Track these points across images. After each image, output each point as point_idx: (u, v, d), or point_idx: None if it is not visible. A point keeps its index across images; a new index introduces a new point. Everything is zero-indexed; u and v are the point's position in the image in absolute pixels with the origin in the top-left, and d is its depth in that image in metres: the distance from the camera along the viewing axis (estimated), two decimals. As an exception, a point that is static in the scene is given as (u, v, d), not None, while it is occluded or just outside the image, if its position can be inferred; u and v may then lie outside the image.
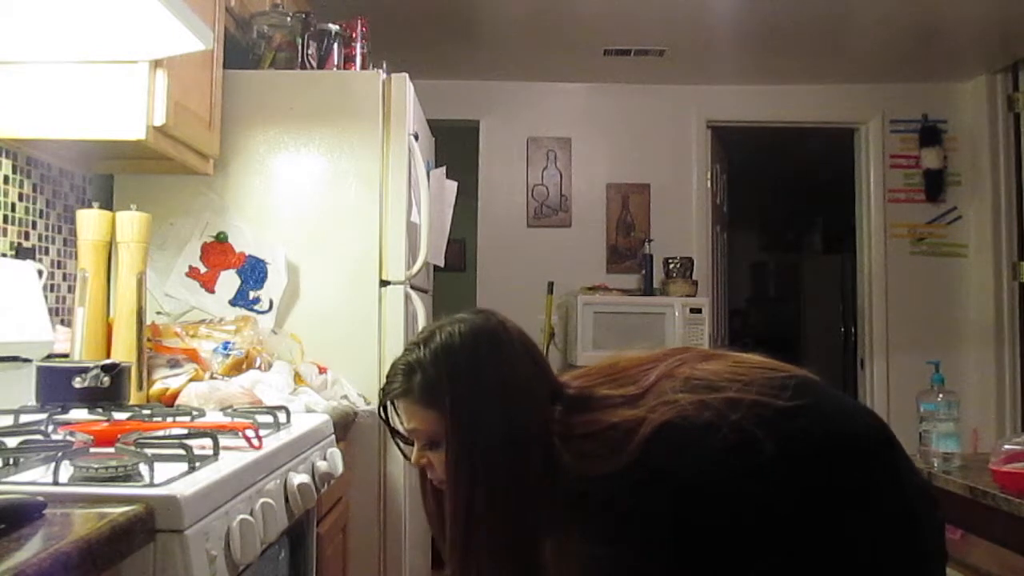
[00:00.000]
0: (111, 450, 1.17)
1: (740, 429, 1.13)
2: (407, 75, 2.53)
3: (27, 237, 2.02)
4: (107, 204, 2.26)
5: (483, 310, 1.31)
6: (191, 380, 1.95)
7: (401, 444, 1.34)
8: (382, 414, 1.31)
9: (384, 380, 1.29)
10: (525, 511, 1.18)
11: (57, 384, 1.62)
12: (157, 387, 1.94)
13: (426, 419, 1.23)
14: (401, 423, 1.28)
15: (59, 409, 1.56)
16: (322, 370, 2.21)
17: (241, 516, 1.15)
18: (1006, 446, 2.10)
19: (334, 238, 2.45)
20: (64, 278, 2.17)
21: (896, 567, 1.15)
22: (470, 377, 1.22)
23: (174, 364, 2.00)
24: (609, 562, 1.14)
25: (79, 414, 1.57)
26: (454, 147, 3.62)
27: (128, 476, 1.05)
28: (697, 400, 1.16)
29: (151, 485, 1.02)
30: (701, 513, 1.13)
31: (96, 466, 1.05)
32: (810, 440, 1.16)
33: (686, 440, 1.14)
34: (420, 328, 2.46)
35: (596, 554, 1.15)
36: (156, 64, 1.82)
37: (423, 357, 1.23)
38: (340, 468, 1.76)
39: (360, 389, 2.34)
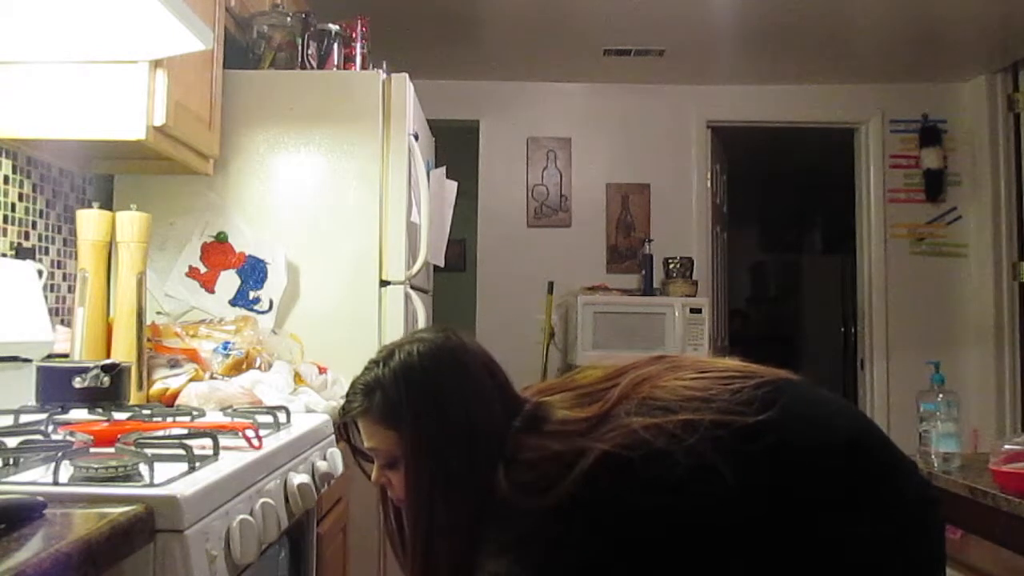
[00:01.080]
0: (111, 450, 1.17)
1: (694, 455, 1.08)
2: (407, 75, 2.53)
3: (27, 237, 2.02)
4: (107, 204, 2.26)
5: (444, 328, 1.29)
6: (191, 380, 1.95)
7: (361, 462, 1.32)
8: (343, 433, 1.30)
9: (344, 398, 1.27)
10: (483, 526, 1.16)
11: (57, 384, 1.62)
12: (157, 387, 1.94)
13: (385, 439, 1.21)
14: (361, 441, 1.27)
15: (59, 409, 1.56)
16: (322, 370, 2.21)
17: (241, 516, 1.14)
18: (1006, 446, 2.10)
19: (334, 238, 2.45)
20: (64, 278, 2.17)
21: (892, 573, 1.12)
22: (430, 398, 1.20)
23: (174, 364, 1.99)
24: None
25: (79, 414, 1.56)
26: (454, 147, 3.62)
27: (128, 476, 1.05)
28: (651, 424, 1.12)
29: (151, 485, 1.02)
30: (637, 548, 1.10)
31: (96, 466, 1.05)
32: (776, 459, 1.11)
33: (628, 474, 1.10)
34: (419, 328, 2.47)
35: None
36: (156, 64, 1.82)
37: (382, 376, 1.21)
38: (340, 468, 1.76)
39: (360, 389, 2.34)
